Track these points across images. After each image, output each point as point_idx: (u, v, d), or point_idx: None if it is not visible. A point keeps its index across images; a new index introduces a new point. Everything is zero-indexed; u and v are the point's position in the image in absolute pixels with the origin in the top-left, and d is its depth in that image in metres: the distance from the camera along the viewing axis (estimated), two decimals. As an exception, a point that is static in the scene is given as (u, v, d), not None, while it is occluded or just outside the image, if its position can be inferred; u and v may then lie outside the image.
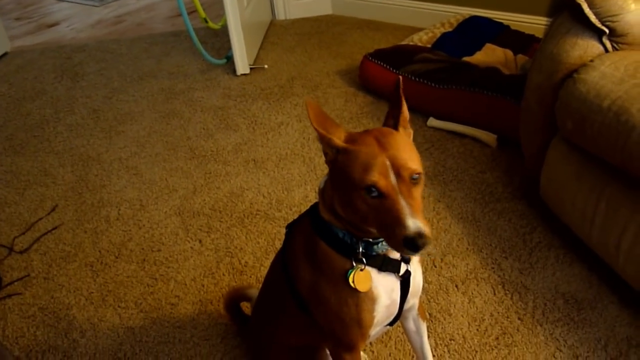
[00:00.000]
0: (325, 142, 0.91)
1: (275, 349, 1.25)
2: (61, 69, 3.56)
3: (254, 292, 1.50)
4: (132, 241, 1.99)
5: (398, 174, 0.85)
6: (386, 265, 0.98)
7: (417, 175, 0.87)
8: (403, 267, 1.00)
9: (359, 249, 0.96)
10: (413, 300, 1.12)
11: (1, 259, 1.97)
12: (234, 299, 1.54)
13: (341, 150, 0.90)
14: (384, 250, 0.98)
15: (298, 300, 1.07)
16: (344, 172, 0.89)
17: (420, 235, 0.81)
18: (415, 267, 1.05)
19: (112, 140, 2.66)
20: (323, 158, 1.00)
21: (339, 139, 0.91)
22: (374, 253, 0.97)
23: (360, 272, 0.96)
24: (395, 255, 1.00)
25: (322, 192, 1.00)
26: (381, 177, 0.84)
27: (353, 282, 0.96)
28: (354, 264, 0.96)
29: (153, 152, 2.52)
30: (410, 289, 1.04)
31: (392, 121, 0.96)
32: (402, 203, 0.83)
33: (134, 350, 1.57)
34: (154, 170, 2.39)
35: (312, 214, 1.03)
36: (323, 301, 1.02)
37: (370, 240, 0.96)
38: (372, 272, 0.98)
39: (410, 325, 1.21)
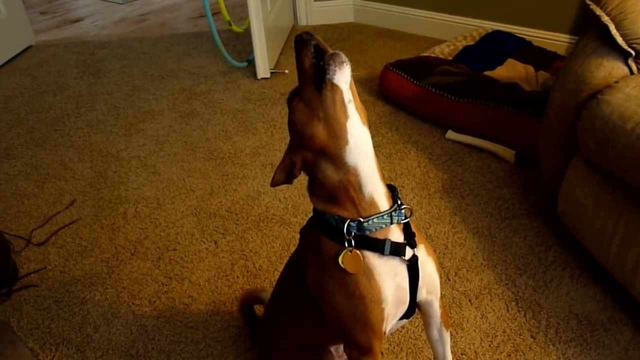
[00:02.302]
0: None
1: (284, 347, 1.26)
2: (84, 64, 3.60)
3: (267, 295, 1.51)
4: (148, 239, 2.01)
5: None
6: (389, 249, 0.98)
7: None
8: (409, 252, 1.00)
9: (344, 228, 0.96)
10: (429, 295, 1.11)
11: (19, 250, 2.00)
12: (248, 301, 1.56)
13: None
14: (377, 228, 0.97)
15: (311, 301, 1.08)
16: (294, 125, 0.98)
17: (306, 32, 0.95)
18: (424, 257, 1.04)
19: (132, 137, 2.69)
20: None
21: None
22: (366, 232, 0.97)
23: (349, 254, 0.96)
24: (398, 238, 1.00)
25: (309, 189, 1.02)
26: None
27: (342, 262, 0.96)
28: (345, 245, 0.97)
29: (172, 152, 2.55)
30: (421, 276, 1.03)
31: None
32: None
33: (146, 348, 1.58)
34: (172, 169, 2.41)
35: (313, 212, 1.05)
36: (330, 297, 1.02)
37: (361, 219, 0.96)
38: (373, 257, 0.98)
39: (434, 333, 1.21)
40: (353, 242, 0.96)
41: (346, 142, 0.93)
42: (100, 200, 2.25)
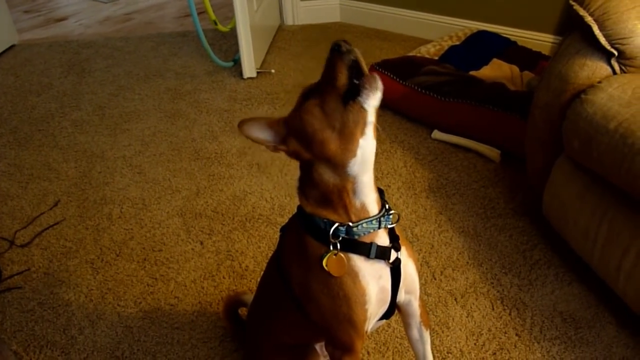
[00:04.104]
0: (276, 130, 0.99)
1: (269, 347, 1.26)
2: (68, 64, 3.57)
3: (250, 297, 1.50)
4: (134, 240, 1.99)
5: None
6: (374, 253, 0.99)
7: None
8: (393, 255, 1.01)
9: (330, 231, 0.96)
10: (408, 296, 1.13)
11: (2, 252, 1.97)
12: (232, 305, 1.55)
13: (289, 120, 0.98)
14: (366, 233, 0.98)
15: (294, 300, 1.08)
16: (302, 124, 0.94)
17: (345, 41, 0.91)
18: (405, 258, 1.06)
19: (117, 137, 2.67)
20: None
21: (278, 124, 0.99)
22: (355, 236, 0.97)
23: (334, 257, 0.97)
24: (384, 242, 1.01)
25: (300, 189, 1.02)
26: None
27: (326, 265, 0.97)
28: (331, 249, 0.97)
29: (157, 152, 2.53)
30: (402, 278, 1.05)
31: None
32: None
33: (132, 349, 1.57)
34: (158, 170, 2.40)
35: (299, 212, 1.05)
36: (315, 297, 1.02)
37: (350, 223, 0.97)
38: (359, 260, 0.99)
39: (414, 333, 1.22)
40: (339, 245, 0.97)
41: (354, 155, 0.93)
42: (85, 201, 2.23)
